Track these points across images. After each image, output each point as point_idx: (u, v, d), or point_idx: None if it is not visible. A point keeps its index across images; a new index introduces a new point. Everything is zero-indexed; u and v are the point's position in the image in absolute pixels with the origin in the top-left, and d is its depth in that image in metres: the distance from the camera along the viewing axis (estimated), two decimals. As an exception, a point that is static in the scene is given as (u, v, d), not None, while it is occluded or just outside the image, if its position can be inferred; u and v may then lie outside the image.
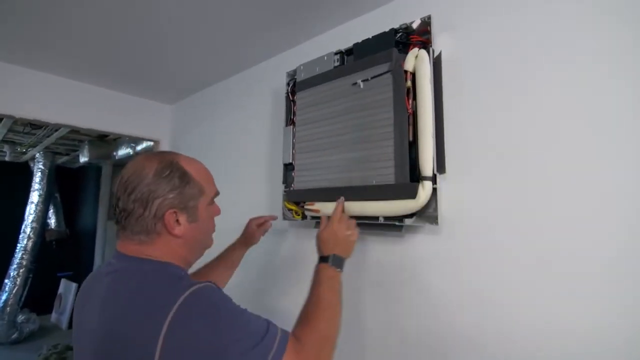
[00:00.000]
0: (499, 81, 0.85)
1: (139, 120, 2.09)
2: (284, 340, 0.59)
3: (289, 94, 1.25)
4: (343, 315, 0.74)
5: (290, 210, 1.20)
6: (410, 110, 0.91)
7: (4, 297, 3.69)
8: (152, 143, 2.33)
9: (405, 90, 0.91)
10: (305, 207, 1.12)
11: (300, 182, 1.16)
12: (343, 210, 0.96)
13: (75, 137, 3.46)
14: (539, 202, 0.76)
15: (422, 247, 0.94)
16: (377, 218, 0.95)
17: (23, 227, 3.96)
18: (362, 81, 1.00)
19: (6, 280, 3.77)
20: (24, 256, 3.85)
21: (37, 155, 4.07)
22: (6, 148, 3.77)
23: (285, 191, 1.22)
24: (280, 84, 1.34)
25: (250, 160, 1.55)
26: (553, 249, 0.74)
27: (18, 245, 3.89)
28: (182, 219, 0.66)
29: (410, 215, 0.91)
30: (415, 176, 0.89)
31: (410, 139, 0.90)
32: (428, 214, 0.90)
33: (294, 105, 1.22)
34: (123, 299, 0.58)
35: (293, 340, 0.61)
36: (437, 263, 0.91)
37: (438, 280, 0.90)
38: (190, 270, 0.78)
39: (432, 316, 0.91)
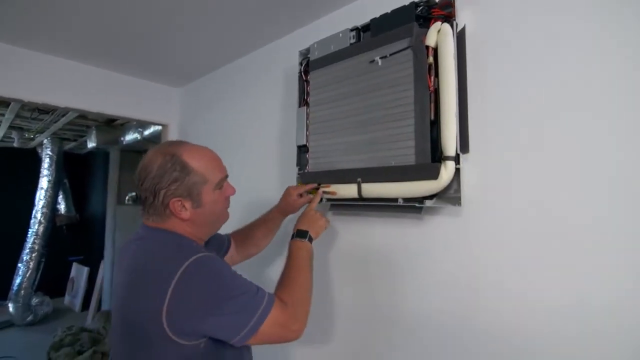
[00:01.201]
0: (525, 56, 0.81)
1: (147, 104, 2.06)
2: (271, 299, 0.72)
3: (302, 73, 1.22)
4: (359, 300, 0.76)
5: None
6: (432, 88, 0.87)
7: (18, 281, 3.77)
8: (160, 127, 2.31)
9: (426, 66, 0.88)
10: (323, 189, 1.09)
11: (315, 164, 1.13)
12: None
13: (83, 122, 3.45)
14: (567, 186, 0.74)
15: (442, 229, 0.92)
16: (395, 200, 0.93)
17: (34, 212, 4.00)
18: (380, 58, 0.97)
19: (19, 265, 3.84)
20: (35, 241, 3.90)
21: (45, 141, 4.07)
22: (14, 134, 3.77)
23: (299, 173, 1.19)
24: (293, 64, 1.31)
25: (262, 144, 1.53)
26: (584, 235, 0.71)
27: (29, 230, 3.94)
28: (188, 205, 0.76)
29: (431, 197, 0.89)
30: (437, 156, 0.86)
31: (432, 117, 0.87)
32: (449, 195, 0.87)
33: (307, 85, 1.19)
34: (140, 265, 0.72)
35: (278, 300, 0.73)
36: (458, 245, 0.89)
37: (457, 264, 0.89)
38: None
39: (451, 300, 0.89)
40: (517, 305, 0.78)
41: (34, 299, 3.91)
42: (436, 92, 0.87)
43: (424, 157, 0.87)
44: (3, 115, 3.05)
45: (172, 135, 2.16)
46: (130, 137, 3.28)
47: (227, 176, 0.85)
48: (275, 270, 1.41)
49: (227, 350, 0.72)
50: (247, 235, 1.12)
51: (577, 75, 0.74)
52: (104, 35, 1.48)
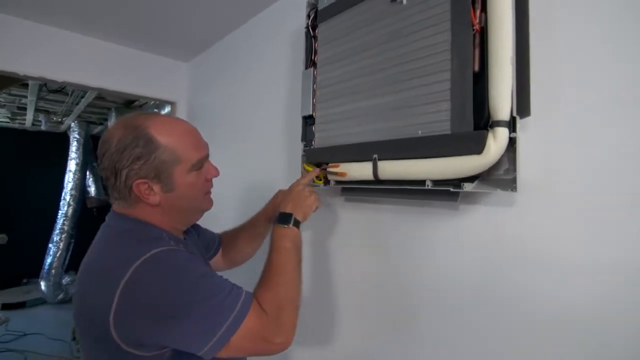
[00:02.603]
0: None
1: (155, 81, 1.93)
2: (246, 303, 0.59)
3: (309, 28, 0.99)
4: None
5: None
6: (477, 26, 0.62)
7: (49, 261, 3.88)
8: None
9: (470, -3, 0.63)
10: (328, 169, 0.88)
11: (322, 138, 0.92)
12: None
13: (104, 104, 3.42)
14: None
15: (487, 223, 0.69)
16: (422, 182, 0.70)
17: (63, 194, 4.08)
18: (405, -6, 0.72)
19: (50, 245, 3.95)
20: (65, 222, 3.99)
21: (72, 124, 4.11)
22: (41, 117, 3.83)
23: (304, 150, 0.98)
24: (301, 24, 1.08)
25: (268, 117, 1.32)
26: None
27: (59, 212, 4.04)
28: (157, 188, 0.64)
29: (471, 179, 0.65)
30: (482, 122, 0.62)
31: (476, 68, 0.62)
32: (498, 176, 0.63)
33: (315, 41, 0.96)
34: (91, 261, 0.62)
35: (255, 304, 0.60)
36: (511, 247, 0.65)
37: (510, 274, 0.65)
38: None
39: (500, 336, 0.66)
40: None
41: (64, 278, 4.03)
42: (483, 33, 0.62)
43: (463, 123, 0.62)
44: (26, 97, 3.05)
45: (181, 115, 2.01)
46: (149, 118, 3.19)
47: (207, 155, 0.71)
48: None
49: None
50: (232, 237, 0.98)
51: None
52: (108, 4, 1.34)
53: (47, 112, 3.73)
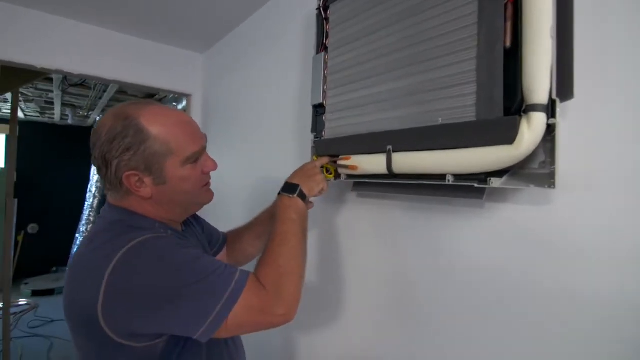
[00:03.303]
0: None
1: (170, 73, 1.91)
2: (242, 279, 0.56)
3: (321, 10, 0.92)
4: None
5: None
6: (509, -6, 0.53)
7: (76, 250, 4.03)
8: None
9: (502, -41, 0.53)
10: (339, 162, 0.81)
11: (333, 128, 0.85)
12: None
13: (126, 98, 3.47)
14: None
15: (516, 224, 0.60)
16: (442, 177, 0.62)
17: (89, 186, 4.22)
18: (425, -37, 0.64)
19: (77, 235, 4.10)
20: (91, 213, 4.13)
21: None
22: (68, 111, 3.94)
23: (314, 142, 0.92)
24: (313, 9, 1.01)
25: (279, 108, 1.26)
26: None
27: (85, 203, 4.17)
28: (148, 180, 0.61)
29: (499, 173, 0.56)
30: (514, 107, 0.53)
31: (508, 44, 0.53)
32: (531, 170, 0.54)
33: (327, 24, 0.89)
34: (80, 252, 0.59)
35: (253, 279, 0.58)
36: (543, 249, 0.56)
37: (542, 280, 0.56)
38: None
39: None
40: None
41: (90, 268, 4.17)
42: (516, 2, 0.53)
43: (491, 108, 0.54)
44: (52, 91, 3.14)
45: (196, 108, 1.99)
46: (168, 112, 3.21)
47: (204, 148, 0.67)
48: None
49: (198, 347, 0.60)
50: (237, 235, 0.93)
51: None
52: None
53: (73, 106, 3.84)
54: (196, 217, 0.85)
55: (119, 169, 0.59)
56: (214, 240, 0.88)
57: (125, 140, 0.58)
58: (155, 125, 0.59)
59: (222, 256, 0.89)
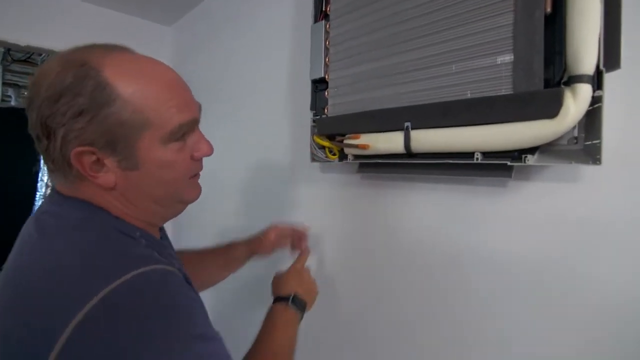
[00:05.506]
0: None
1: (132, 47, 1.72)
2: None
3: (319, -28, 0.83)
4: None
5: (321, 148, 0.84)
6: (552, -48, 0.48)
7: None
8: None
9: None
10: (346, 141, 0.75)
11: (338, 105, 0.78)
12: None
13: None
14: None
15: (548, 203, 0.57)
16: (469, 155, 0.58)
17: (40, 175, 3.86)
18: None
19: (30, 228, 3.76)
20: (44, 204, 3.79)
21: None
22: (10, 92, 3.53)
23: (314, 120, 0.85)
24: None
25: (269, 84, 1.16)
26: None
27: (37, 194, 3.82)
28: (110, 162, 0.42)
29: (531, 150, 0.53)
30: (554, 78, 0.49)
31: (548, 9, 0.49)
32: (571, 146, 0.51)
33: (327, -12, 0.81)
34: (27, 277, 0.38)
35: None
36: (577, 231, 0.54)
37: (575, 266, 0.55)
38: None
39: None
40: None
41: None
42: (558, -38, 0.48)
43: (530, 79, 0.50)
44: (-10, 68, 2.77)
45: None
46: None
47: (196, 120, 0.48)
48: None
49: None
50: (199, 260, 0.77)
51: None
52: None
53: (16, 85, 3.44)
54: None
55: (66, 143, 0.40)
56: None
57: (78, 100, 0.39)
58: (125, 80, 0.41)
59: None
